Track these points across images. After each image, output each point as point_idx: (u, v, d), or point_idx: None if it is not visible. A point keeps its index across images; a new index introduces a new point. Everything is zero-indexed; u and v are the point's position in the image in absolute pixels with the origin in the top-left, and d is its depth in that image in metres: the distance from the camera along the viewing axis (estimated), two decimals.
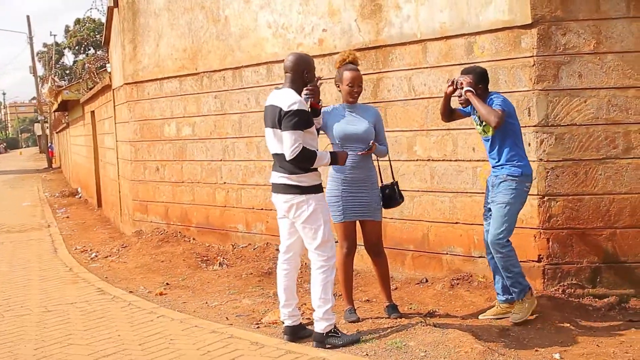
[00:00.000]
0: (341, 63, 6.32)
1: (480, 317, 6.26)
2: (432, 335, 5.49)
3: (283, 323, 5.93)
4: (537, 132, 6.59)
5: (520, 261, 6.64)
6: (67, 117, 26.23)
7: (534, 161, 6.55)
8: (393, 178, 6.48)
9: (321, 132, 6.22)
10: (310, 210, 5.46)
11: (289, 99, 5.38)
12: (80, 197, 22.63)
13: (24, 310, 7.29)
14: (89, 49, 57.08)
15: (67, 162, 31.91)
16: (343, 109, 6.28)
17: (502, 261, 5.92)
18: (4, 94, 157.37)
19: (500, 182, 5.92)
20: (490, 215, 6.05)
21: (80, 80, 21.40)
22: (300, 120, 5.34)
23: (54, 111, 27.34)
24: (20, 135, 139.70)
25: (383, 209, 6.34)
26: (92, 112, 17.79)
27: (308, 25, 8.51)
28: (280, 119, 5.37)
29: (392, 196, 6.31)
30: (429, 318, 6.12)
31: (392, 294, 7.17)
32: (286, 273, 5.77)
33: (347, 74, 6.22)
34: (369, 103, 7.79)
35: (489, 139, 6.06)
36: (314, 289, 5.53)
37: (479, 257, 6.97)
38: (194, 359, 5.37)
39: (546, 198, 6.62)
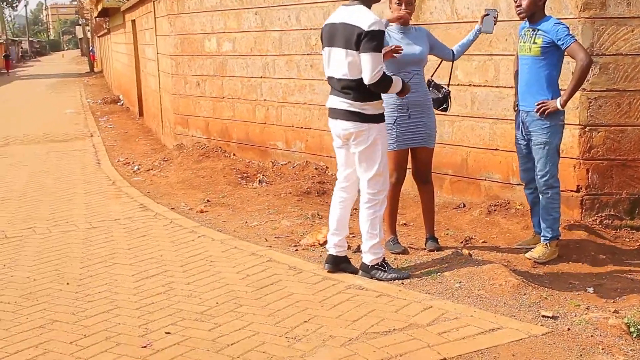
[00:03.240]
0: None
1: (516, 245, 6.30)
2: (467, 266, 5.55)
3: (321, 245, 5.99)
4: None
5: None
6: (108, 24, 26.22)
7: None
8: (448, 86, 6.34)
9: None
10: (370, 141, 5.19)
11: (368, 18, 5.00)
12: (122, 105, 22.85)
13: (70, 226, 7.48)
14: None
15: (109, 68, 32.06)
16: (396, 30, 6.01)
17: (546, 202, 5.87)
18: None
19: (534, 120, 5.77)
20: (525, 151, 6.00)
21: None
22: (381, 42, 5.05)
23: (95, 17, 27.24)
24: (62, 37, 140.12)
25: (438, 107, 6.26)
26: (133, 21, 17.76)
27: None
28: (359, 40, 5.01)
29: (443, 101, 6.24)
30: (464, 248, 6.16)
31: None
32: (342, 201, 5.54)
33: None
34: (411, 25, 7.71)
35: (531, 59, 5.75)
36: (361, 222, 5.40)
37: (517, 184, 6.96)
38: (233, 282, 5.50)
39: (587, 128, 6.57)
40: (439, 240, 6.35)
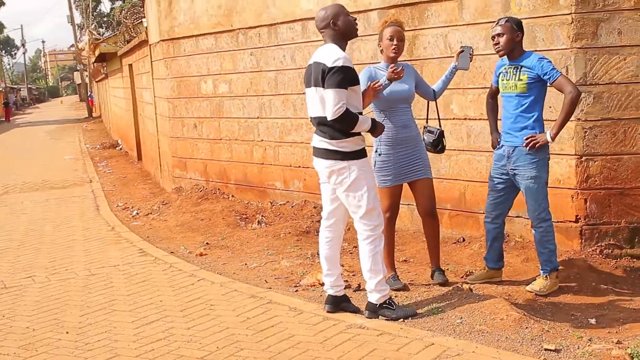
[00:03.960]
0: (383, 24, 6.14)
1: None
2: (468, 301, 5.51)
3: (322, 285, 5.97)
4: None
5: (558, 222, 6.68)
6: (105, 68, 26.39)
7: (571, 121, 6.47)
8: (440, 126, 6.34)
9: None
10: (353, 177, 5.18)
11: (333, 55, 5.07)
12: (120, 149, 22.90)
13: (69, 274, 7.45)
14: None
15: (107, 112, 32.20)
16: (384, 68, 6.02)
17: (540, 235, 5.87)
18: (43, 42, 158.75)
19: (522, 154, 5.77)
20: (501, 186, 6.01)
21: (117, 32, 21.46)
22: (346, 78, 5.03)
23: (93, 62, 27.44)
24: (60, 83, 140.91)
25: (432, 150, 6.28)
26: (130, 66, 17.87)
27: None
28: (324, 77, 5.06)
29: (438, 142, 6.23)
30: (465, 283, 6.13)
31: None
32: (328, 241, 5.54)
33: (387, 29, 6.04)
34: (405, 61, 7.75)
35: (516, 96, 5.79)
36: (363, 261, 5.35)
37: (516, 216, 6.95)
38: (234, 325, 5.46)
39: (584, 158, 6.57)
40: (445, 272, 6.33)
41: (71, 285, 6.99)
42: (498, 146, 6.06)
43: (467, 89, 7.27)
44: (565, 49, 6.50)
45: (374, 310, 5.36)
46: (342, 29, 5.30)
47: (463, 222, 7.56)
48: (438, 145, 6.26)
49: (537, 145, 5.70)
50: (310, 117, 5.43)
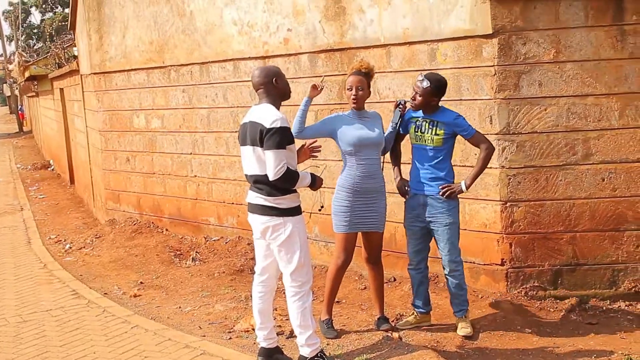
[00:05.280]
0: (350, 70, 6.21)
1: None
2: (398, 352, 5.67)
3: (254, 330, 6.05)
4: (499, 140, 6.73)
5: (484, 264, 6.93)
6: (36, 87, 25.99)
7: (496, 168, 6.72)
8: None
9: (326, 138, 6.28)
10: (287, 234, 5.31)
11: (270, 116, 5.20)
12: (53, 170, 22.56)
13: (0, 321, 7.37)
14: (56, 7, 56.20)
15: (39, 130, 31.65)
16: (352, 115, 6.14)
17: (458, 279, 6.12)
18: None
19: (438, 203, 6.02)
20: (420, 232, 6.21)
21: (48, 55, 21.20)
22: (284, 138, 5.18)
23: (22, 82, 27.02)
24: None
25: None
26: (62, 90, 17.67)
27: (273, 24, 8.54)
28: (262, 137, 5.19)
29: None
30: (394, 330, 6.27)
31: (361, 294, 7.41)
32: (261, 296, 5.65)
33: (348, 79, 6.13)
34: (335, 104, 7.92)
35: (432, 149, 6.03)
36: (292, 316, 5.47)
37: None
38: None
39: (508, 204, 6.80)
40: (389, 319, 6.47)
41: (2, 335, 6.93)
42: (410, 195, 6.23)
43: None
44: (489, 99, 6.73)
45: None
46: (281, 88, 5.46)
47: (394, 262, 7.72)
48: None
49: (453, 195, 5.96)
50: (246, 175, 5.53)
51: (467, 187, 5.97)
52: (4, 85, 73.63)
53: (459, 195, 6.09)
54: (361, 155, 6.06)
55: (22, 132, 46.67)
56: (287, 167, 5.21)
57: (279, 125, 5.17)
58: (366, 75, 6.13)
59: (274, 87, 5.42)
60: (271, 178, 5.21)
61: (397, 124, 6.24)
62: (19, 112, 52.55)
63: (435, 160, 6.04)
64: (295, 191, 5.42)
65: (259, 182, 5.36)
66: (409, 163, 6.35)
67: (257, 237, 5.61)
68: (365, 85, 6.12)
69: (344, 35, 7.81)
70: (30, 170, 23.20)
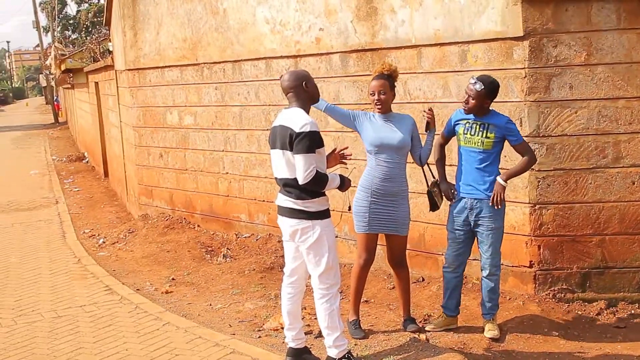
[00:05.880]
0: (373, 74, 6.27)
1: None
2: (424, 354, 5.71)
3: (284, 329, 6.13)
4: (528, 142, 6.72)
5: (513, 266, 6.95)
6: (72, 79, 26.26)
7: None
8: (427, 185, 6.48)
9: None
10: (316, 237, 5.36)
11: (300, 120, 5.26)
12: (87, 163, 22.85)
13: (36, 316, 7.53)
14: None
15: (74, 121, 32.02)
16: (378, 117, 6.20)
17: (494, 282, 6.15)
18: (8, 42, 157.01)
19: (489, 206, 6.02)
20: (463, 237, 6.23)
21: (84, 49, 21.45)
22: (313, 142, 5.23)
23: (59, 74, 27.33)
24: (25, 84, 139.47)
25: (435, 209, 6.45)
26: (97, 84, 17.89)
27: (305, 24, 8.60)
28: (291, 142, 5.24)
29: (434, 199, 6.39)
30: (421, 332, 6.32)
31: (389, 294, 7.46)
32: (290, 297, 5.72)
33: (371, 83, 6.19)
34: (366, 104, 7.95)
35: (481, 152, 6.06)
36: (320, 318, 5.53)
37: (474, 259, 7.14)
38: None
39: (537, 206, 6.80)
40: (416, 320, 6.52)
41: (37, 330, 7.07)
42: (457, 199, 6.24)
43: (423, 135, 7.46)
44: (520, 101, 6.73)
45: None
46: (311, 92, 5.52)
47: (422, 262, 7.77)
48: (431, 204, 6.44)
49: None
50: (276, 178, 5.59)
51: (505, 181, 6.00)
52: (40, 75, 74.52)
53: (505, 199, 6.14)
54: (381, 157, 6.12)
55: (58, 123, 47.22)
56: (317, 171, 5.27)
57: (308, 130, 5.22)
58: (389, 77, 6.18)
59: (304, 91, 5.48)
60: (301, 182, 5.27)
61: (432, 131, 6.27)
62: (55, 103, 53.12)
63: (484, 164, 6.05)
64: (324, 194, 5.49)
65: (288, 186, 5.42)
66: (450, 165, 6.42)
67: (286, 240, 5.69)
68: (388, 88, 6.15)
69: (375, 35, 7.84)
70: (65, 163, 23.51)
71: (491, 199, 5.98)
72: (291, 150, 5.29)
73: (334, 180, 5.48)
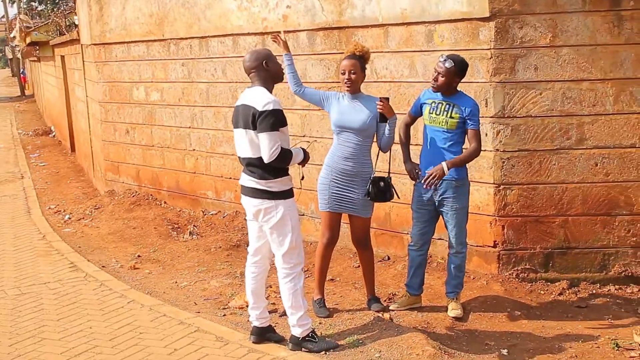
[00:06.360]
0: (345, 54, 6.22)
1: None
2: (388, 333, 5.74)
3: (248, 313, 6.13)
4: (493, 123, 6.78)
5: (477, 246, 7.01)
6: (37, 52, 25.90)
7: (490, 151, 6.78)
8: (389, 172, 6.29)
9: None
10: (279, 216, 5.38)
11: (262, 99, 5.23)
12: (54, 137, 22.61)
13: None
14: None
15: (40, 94, 31.64)
16: (346, 97, 6.17)
17: (461, 260, 6.22)
18: None
19: (454, 186, 6.07)
20: (428, 215, 6.25)
21: (49, 22, 21.14)
22: (277, 120, 5.21)
23: (24, 47, 26.96)
24: None
25: (373, 201, 6.25)
26: (62, 57, 17.67)
27: (272, 0, 8.53)
28: (254, 120, 5.22)
29: (385, 191, 6.18)
30: (385, 311, 6.36)
31: (355, 272, 7.49)
32: (254, 276, 5.72)
33: (342, 63, 6.15)
34: (333, 82, 7.93)
35: (445, 131, 6.03)
36: (283, 297, 5.54)
37: (439, 239, 7.20)
38: (161, 357, 5.62)
39: (502, 187, 6.86)
40: (380, 299, 6.56)
41: (0, 307, 7.03)
42: (421, 178, 6.25)
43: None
44: (485, 82, 6.76)
45: (297, 343, 5.57)
46: (272, 70, 5.49)
47: (388, 241, 7.81)
48: (385, 194, 6.22)
49: (436, 180, 5.90)
50: (239, 157, 5.58)
51: (449, 168, 5.93)
52: (6, 47, 73.34)
53: (470, 179, 6.21)
54: (342, 136, 6.12)
55: (24, 96, 46.62)
56: (281, 148, 5.26)
57: (271, 108, 5.21)
58: (360, 58, 6.14)
59: (265, 70, 5.45)
60: (266, 160, 5.26)
61: (391, 119, 6.09)
62: (21, 75, 52.40)
63: (448, 143, 6.04)
64: (287, 174, 5.48)
65: (252, 165, 5.42)
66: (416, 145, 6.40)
67: (249, 219, 5.68)
68: (359, 68, 6.12)
69: (343, 13, 7.81)
70: (32, 137, 23.26)
71: (425, 177, 5.95)
72: (254, 129, 5.27)
73: (297, 155, 5.50)
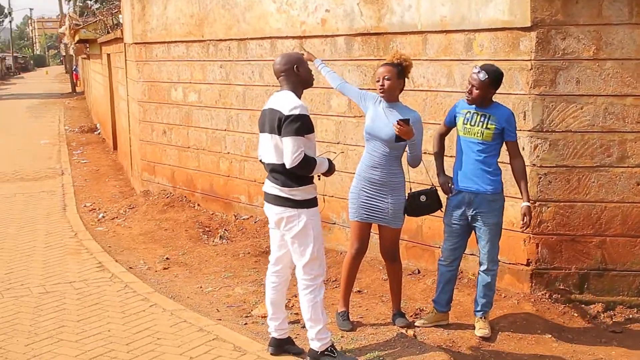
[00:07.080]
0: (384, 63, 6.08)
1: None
2: (410, 351, 5.55)
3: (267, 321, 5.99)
4: (531, 137, 6.54)
5: (510, 263, 6.77)
6: (87, 49, 26.15)
7: (527, 166, 6.51)
8: (432, 184, 6.17)
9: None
10: (301, 226, 5.21)
11: (289, 103, 5.11)
12: (99, 134, 22.75)
13: (23, 290, 7.42)
14: None
15: (89, 91, 31.97)
16: (384, 103, 6.00)
17: (491, 278, 6.00)
18: (31, 9, 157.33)
19: (488, 201, 5.86)
20: (460, 231, 6.05)
21: (97, 20, 21.30)
22: (303, 126, 5.06)
23: (73, 45, 27.26)
24: (47, 52, 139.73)
25: (412, 216, 6.20)
26: (109, 55, 17.75)
27: (312, 4, 8.39)
28: (280, 125, 5.09)
29: (426, 206, 6.09)
30: (409, 328, 6.16)
31: (383, 285, 7.29)
32: (274, 286, 5.58)
33: (377, 70, 6.00)
34: (369, 89, 7.75)
35: (480, 143, 5.84)
36: (303, 309, 5.38)
37: (471, 254, 6.98)
38: None
39: (537, 203, 6.61)
40: (406, 314, 6.37)
41: (23, 305, 6.97)
42: (454, 192, 6.04)
43: (427, 124, 7.26)
44: (524, 94, 6.52)
45: (316, 357, 5.39)
46: (303, 75, 5.36)
47: (419, 254, 7.60)
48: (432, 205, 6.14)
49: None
50: (264, 163, 5.44)
51: (529, 200, 5.87)
52: (61, 44, 74.42)
53: (504, 194, 6.03)
54: (370, 145, 5.97)
55: (75, 93, 47.20)
56: (305, 154, 5.10)
57: (298, 113, 5.07)
58: (397, 66, 5.94)
59: (296, 75, 5.32)
60: (288, 165, 5.10)
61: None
62: (74, 72, 53.05)
63: (484, 155, 5.85)
64: (311, 183, 5.31)
65: (275, 171, 5.27)
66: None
67: (272, 227, 5.54)
68: (394, 75, 5.90)
69: (381, 19, 7.63)
70: (77, 133, 23.44)
71: (523, 225, 5.85)
72: (279, 134, 5.13)
73: (322, 164, 5.31)
